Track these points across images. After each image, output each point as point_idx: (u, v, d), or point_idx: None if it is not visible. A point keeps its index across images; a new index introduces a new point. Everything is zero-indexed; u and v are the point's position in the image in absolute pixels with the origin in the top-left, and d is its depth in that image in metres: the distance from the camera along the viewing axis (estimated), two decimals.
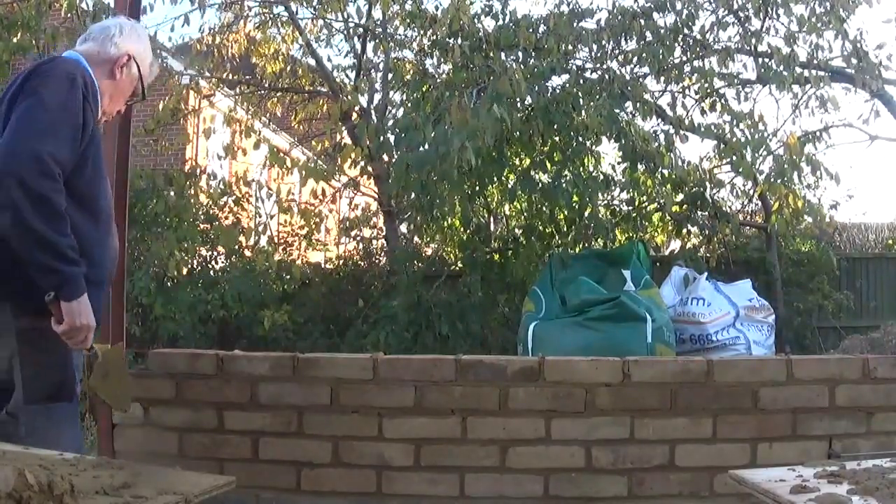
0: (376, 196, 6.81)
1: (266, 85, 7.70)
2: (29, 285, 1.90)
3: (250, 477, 2.81)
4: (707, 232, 5.94)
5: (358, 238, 7.22)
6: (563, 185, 5.36)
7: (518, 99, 5.19)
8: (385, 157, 6.32)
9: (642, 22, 5.83)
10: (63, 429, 2.01)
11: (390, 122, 6.30)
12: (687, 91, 6.10)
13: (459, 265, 6.38)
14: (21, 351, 1.92)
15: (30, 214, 1.82)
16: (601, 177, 5.79)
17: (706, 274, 4.88)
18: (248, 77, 7.78)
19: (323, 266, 7.22)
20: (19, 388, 1.90)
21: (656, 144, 5.56)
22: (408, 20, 6.55)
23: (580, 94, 5.53)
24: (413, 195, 5.61)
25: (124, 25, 2.33)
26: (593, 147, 5.78)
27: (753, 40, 5.94)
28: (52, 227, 1.85)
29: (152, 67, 2.39)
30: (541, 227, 5.84)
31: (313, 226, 6.64)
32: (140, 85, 2.33)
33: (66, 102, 1.97)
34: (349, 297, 6.45)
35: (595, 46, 5.96)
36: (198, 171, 7.12)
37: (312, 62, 7.37)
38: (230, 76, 7.70)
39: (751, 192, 6.11)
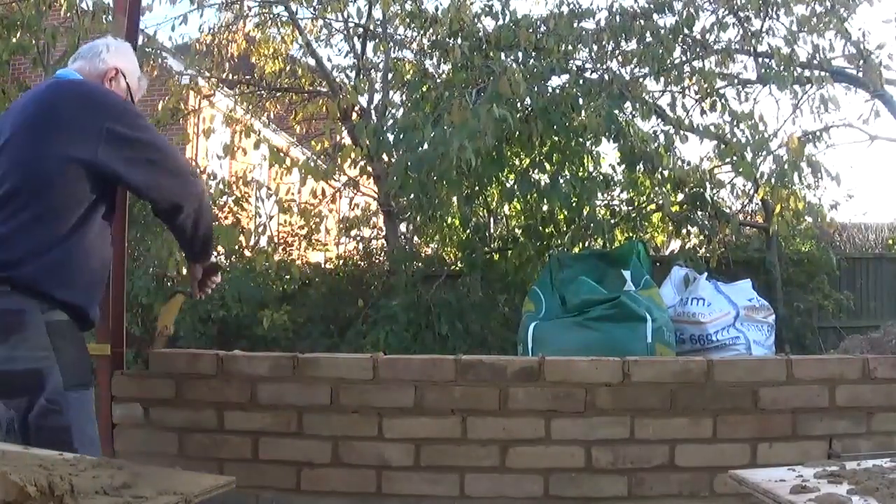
0: (376, 196, 6.80)
1: (266, 85, 7.70)
2: (59, 283, 2.10)
3: (250, 477, 2.81)
4: (707, 232, 5.94)
5: (358, 238, 7.21)
6: (562, 185, 5.36)
7: (517, 99, 5.18)
8: (385, 157, 6.31)
9: (642, 22, 5.82)
10: (91, 413, 2.22)
11: (390, 122, 6.29)
12: (687, 91, 6.10)
13: (459, 265, 6.38)
14: (55, 344, 2.10)
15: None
16: (600, 177, 5.79)
17: (706, 274, 4.87)
18: (247, 77, 7.77)
19: (323, 266, 7.21)
20: (57, 377, 2.07)
21: (656, 145, 5.56)
22: (408, 20, 6.55)
23: (579, 94, 5.53)
24: (412, 195, 5.60)
25: (111, 43, 2.48)
26: (593, 147, 5.79)
27: (753, 40, 5.94)
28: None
29: (140, 82, 2.54)
30: (540, 228, 5.84)
31: (313, 226, 6.63)
32: (129, 98, 2.46)
33: None
34: (349, 297, 6.44)
35: (595, 47, 5.96)
36: (197, 171, 7.10)
37: (312, 62, 7.36)
38: (230, 76, 7.69)
39: (751, 192, 6.11)
